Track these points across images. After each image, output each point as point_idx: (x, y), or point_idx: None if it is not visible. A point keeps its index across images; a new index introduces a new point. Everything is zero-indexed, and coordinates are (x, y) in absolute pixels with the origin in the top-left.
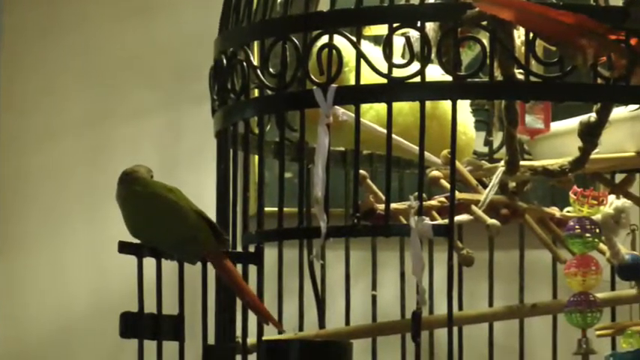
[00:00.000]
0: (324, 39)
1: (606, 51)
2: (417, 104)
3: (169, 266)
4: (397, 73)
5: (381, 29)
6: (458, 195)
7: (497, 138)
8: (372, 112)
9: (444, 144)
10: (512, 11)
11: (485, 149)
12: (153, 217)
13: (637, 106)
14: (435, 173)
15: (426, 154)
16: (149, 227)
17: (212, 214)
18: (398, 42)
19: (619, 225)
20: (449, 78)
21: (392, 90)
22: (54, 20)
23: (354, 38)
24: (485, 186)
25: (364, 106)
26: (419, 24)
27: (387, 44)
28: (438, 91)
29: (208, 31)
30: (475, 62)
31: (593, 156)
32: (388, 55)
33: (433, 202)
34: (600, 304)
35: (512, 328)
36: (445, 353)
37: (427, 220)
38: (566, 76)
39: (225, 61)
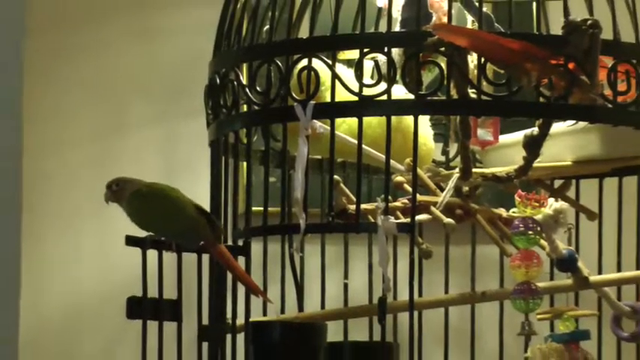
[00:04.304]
0: (304, 62)
1: (548, 74)
2: (384, 119)
3: (169, 257)
4: (367, 91)
5: (353, 53)
6: (419, 197)
7: (453, 148)
8: (345, 126)
9: (407, 153)
10: (466, 39)
11: (443, 158)
12: (158, 212)
13: (574, 121)
14: (399, 179)
15: (392, 162)
16: (155, 220)
17: None
18: (368, 65)
19: (557, 224)
20: (411, 96)
21: (362, 106)
22: (69, 43)
23: (329, 61)
24: (442, 190)
25: (338, 120)
26: (386, 49)
27: (358, 66)
28: (402, 107)
29: (203, 54)
30: (434, 83)
31: (535, 164)
32: (359, 76)
33: (397, 204)
34: (541, 292)
35: (464, 312)
36: (407, 333)
37: (392, 219)
38: (513, 95)
39: (218, 80)
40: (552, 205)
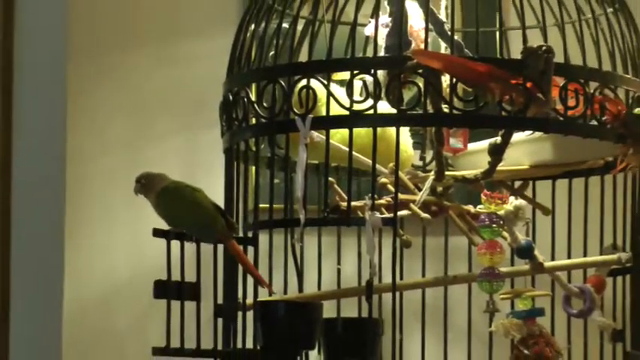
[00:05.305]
0: (303, 82)
1: (509, 91)
2: (370, 130)
3: (189, 246)
4: (356, 107)
5: (345, 75)
6: (400, 196)
7: (429, 155)
8: (338, 136)
9: (390, 159)
10: (440, 62)
11: (420, 163)
12: (182, 209)
13: (531, 132)
14: (384, 180)
15: (377, 166)
16: (179, 216)
17: None
18: (357, 84)
19: (517, 218)
20: (394, 111)
21: (352, 119)
22: (106, 66)
23: (325, 81)
24: (420, 189)
25: (332, 131)
26: (372, 71)
27: (349, 86)
28: (386, 120)
29: (218, 75)
30: (413, 99)
31: (498, 168)
32: (350, 93)
33: (382, 201)
34: (503, 276)
35: (438, 293)
36: (390, 310)
37: (378, 214)
38: (479, 109)
39: (231, 97)
40: (513, 202)
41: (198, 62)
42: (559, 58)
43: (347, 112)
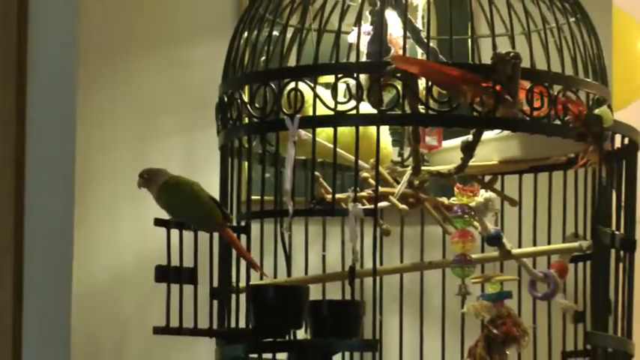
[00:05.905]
0: (292, 84)
1: (480, 94)
2: (353, 128)
3: (188, 235)
4: (340, 107)
5: (330, 78)
6: (380, 189)
7: (407, 151)
8: (324, 134)
9: (371, 155)
10: (417, 67)
11: (399, 159)
12: (182, 201)
13: (500, 130)
14: (365, 174)
15: (359, 162)
16: (179, 208)
17: None
18: (341, 87)
19: (487, 209)
20: (375, 111)
21: (337, 119)
22: (113, 69)
23: (312, 84)
24: (398, 183)
25: (318, 129)
26: (355, 75)
27: (333, 88)
28: (367, 120)
29: (215, 78)
30: (392, 101)
31: (470, 164)
32: (334, 95)
33: (364, 194)
34: (474, 262)
35: (415, 277)
36: (370, 294)
37: (360, 206)
38: (453, 110)
39: (226, 99)
40: (483, 194)
41: (197, 66)
42: (526, 63)
43: (332, 113)
